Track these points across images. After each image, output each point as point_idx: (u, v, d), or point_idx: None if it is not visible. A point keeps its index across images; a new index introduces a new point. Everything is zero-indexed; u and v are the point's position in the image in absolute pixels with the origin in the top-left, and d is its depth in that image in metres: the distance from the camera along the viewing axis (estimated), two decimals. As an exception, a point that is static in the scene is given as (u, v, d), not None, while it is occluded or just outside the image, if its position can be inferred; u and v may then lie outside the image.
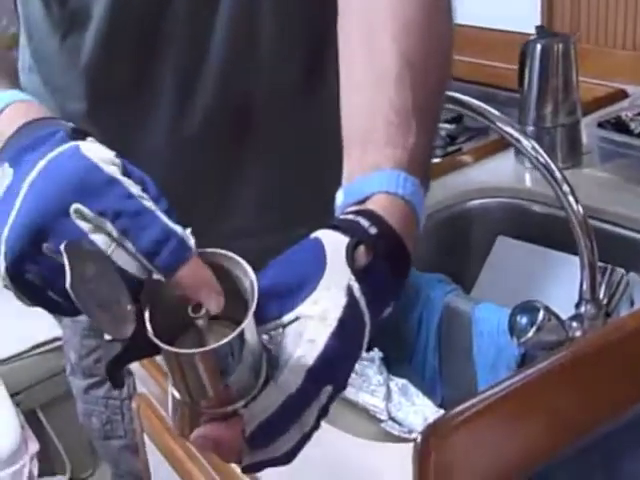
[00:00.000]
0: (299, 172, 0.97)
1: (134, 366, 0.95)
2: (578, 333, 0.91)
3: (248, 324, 0.48)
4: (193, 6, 0.85)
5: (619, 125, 1.26)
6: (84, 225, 0.49)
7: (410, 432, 0.95)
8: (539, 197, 1.23)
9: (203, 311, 0.49)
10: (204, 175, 0.93)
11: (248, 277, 0.50)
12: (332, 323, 0.50)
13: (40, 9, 0.88)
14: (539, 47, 1.26)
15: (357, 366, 0.69)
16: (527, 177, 1.30)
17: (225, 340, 0.47)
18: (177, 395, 0.51)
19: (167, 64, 0.88)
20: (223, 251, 0.51)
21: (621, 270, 0.94)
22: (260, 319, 0.51)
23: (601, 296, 0.92)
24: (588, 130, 1.28)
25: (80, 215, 0.49)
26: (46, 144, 0.53)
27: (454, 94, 0.95)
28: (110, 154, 0.52)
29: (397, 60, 0.65)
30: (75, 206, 0.49)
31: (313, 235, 0.56)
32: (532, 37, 1.29)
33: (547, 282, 1.15)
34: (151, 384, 0.93)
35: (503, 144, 1.37)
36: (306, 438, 0.51)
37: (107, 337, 0.49)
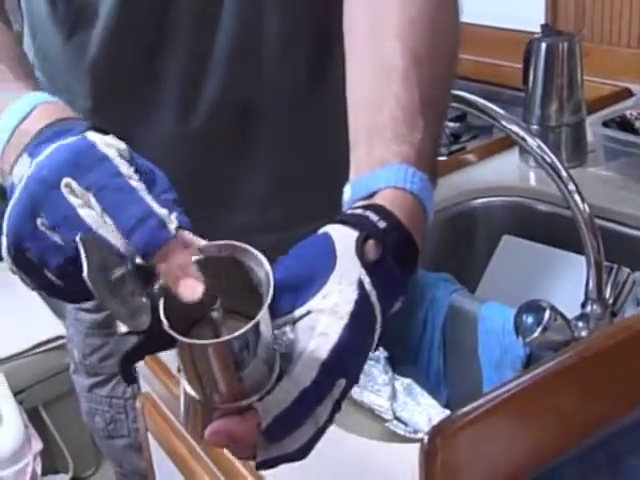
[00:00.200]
0: (304, 168, 0.97)
1: (138, 365, 0.95)
2: (584, 333, 0.91)
3: (263, 316, 0.48)
4: (199, 2, 0.85)
5: (624, 124, 1.26)
6: (74, 200, 0.50)
7: (415, 432, 0.95)
8: (544, 196, 1.23)
9: (217, 303, 0.49)
10: (208, 170, 0.93)
11: (263, 268, 0.50)
12: (344, 316, 0.51)
13: (45, 7, 0.88)
14: (544, 46, 1.26)
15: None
16: (531, 176, 1.30)
17: (242, 330, 0.47)
18: (190, 391, 0.51)
19: (173, 60, 0.88)
20: (237, 243, 0.51)
21: (627, 269, 0.94)
22: (272, 314, 0.51)
23: (607, 296, 0.91)
24: (593, 129, 1.28)
25: (70, 190, 0.50)
26: (63, 137, 0.53)
27: (459, 92, 0.95)
28: (117, 141, 0.53)
29: (403, 56, 0.66)
30: (65, 180, 0.50)
31: (322, 230, 0.56)
32: (537, 36, 1.28)
33: (552, 281, 1.15)
34: (155, 383, 0.93)
35: (507, 143, 1.36)
36: (320, 433, 0.51)
37: (121, 330, 0.49)
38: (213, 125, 0.90)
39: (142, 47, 0.87)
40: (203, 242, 0.51)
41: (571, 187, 0.89)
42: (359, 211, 0.56)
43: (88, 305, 1.06)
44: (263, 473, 0.72)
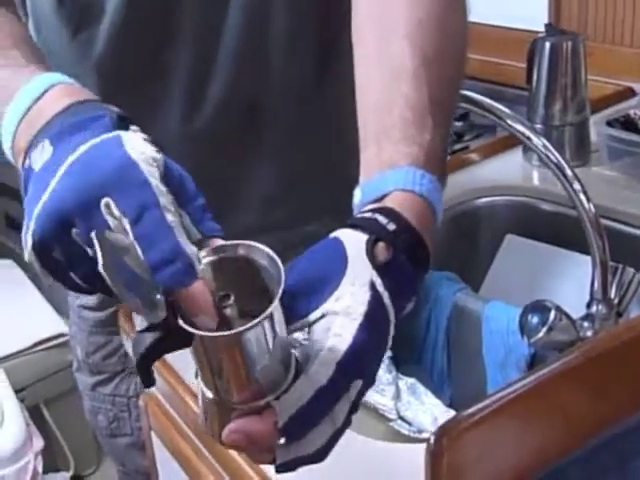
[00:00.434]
0: (309, 167, 0.97)
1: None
2: (589, 333, 0.91)
3: (276, 309, 0.48)
4: (206, 0, 0.85)
5: (628, 124, 1.26)
6: (111, 221, 0.50)
7: (419, 431, 0.95)
8: (547, 195, 1.23)
9: (231, 300, 0.49)
10: (213, 169, 0.93)
11: (275, 264, 0.50)
12: (358, 317, 0.51)
13: (50, 2, 0.88)
14: (548, 45, 1.26)
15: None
16: (535, 175, 1.29)
17: (255, 321, 0.47)
18: (207, 393, 0.51)
19: (179, 58, 0.88)
20: (246, 242, 0.51)
21: (632, 270, 0.94)
22: (287, 318, 0.51)
23: (612, 296, 0.91)
24: (597, 128, 1.28)
25: (108, 211, 0.49)
26: (90, 129, 0.53)
27: (464, 92, 0.95)
28: (152, 150, 0.52)
29: (413, 57, 0.66)
30: (105, 200, 0.49)
31: (332, 235, 0.56)
32: (541, 35, 1.28)
33: (555, 281, 1.15)
34: (159, 382, 0.93)
35: (511, 142, 1.36)
36: (338, 434, 0.52)
37: (138, 327, 0.49)
38: (219, 123, 0.90)
39: (148, 44, 0.87)
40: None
41: (576, 186, 0.89)
42: (368, 214, 0.57)
43: (91, 303, 1.06)
44: (270, 474, 0.72)
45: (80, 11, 0.88)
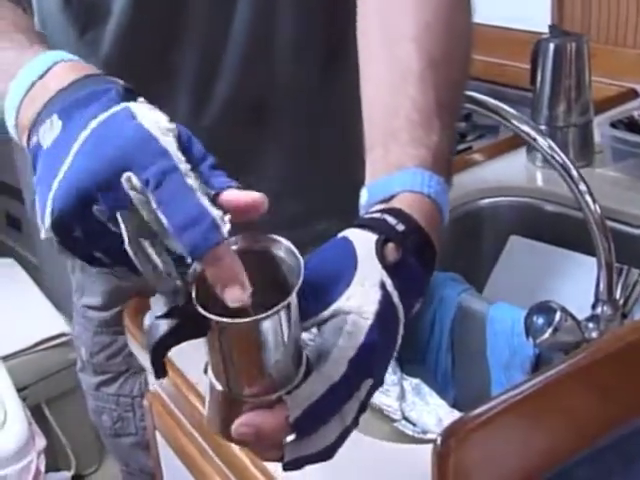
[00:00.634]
0: (316, 165, 0.97)
1: (146, 363, 0.95)
2: (594, 334, 0.91)
3: (294, 301, 0.49)
4: (213, 1, 0.85)
5: (632, 125, 1.26)
6: (133, 194, 0.49)
7: (424, 432, 0.95)
8: (551, 196, 1.23)
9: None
10: (219, 167, 0.93)
11: (294, 256, 0.50)
12: (370, 317, 0.51)
13: (57, 2, 0.88)
14: (552, 46, 1.26)
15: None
16: (539, 176, 1.29)
17: (273, 310, 0.47)
18: (218, 386, 0.51)
19: (186, 59, 0.88)
20: (265, 234, 0.51)
21: (637, 271, 0.94)
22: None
23: (617, 297, 0.91)
24: (601, 130, 1.28)
25: (130, 184, 0.49)
26: (98, 102, 0.52)
27: (469, 92, 0.95)
28: (164, 119, 0.52)
29: (419, 60, 0.66)
30: (127, 174, 0.49)
31: (341, 234, 0.57)
32: (545, 36, 1.28)
33: (559, 282, 1.15)
34: (164, 381, 0.93)
35: (514, 143, 1.36)
36: (346, 433, 0.52)
37: (156, 313, 0.49)
38: (225, 123, 0.90)
39: (155, 44, 0.87)
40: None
41: (582, 187, 0.89)
42: (377, 215, 0.57)
43: (96, 303, 1.06)
44: (275, 474, 0.72)
45: (86, 11, 0.88)
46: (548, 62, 1.26)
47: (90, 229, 0.51)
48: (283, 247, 0.51)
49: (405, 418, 0.97)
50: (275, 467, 0.53)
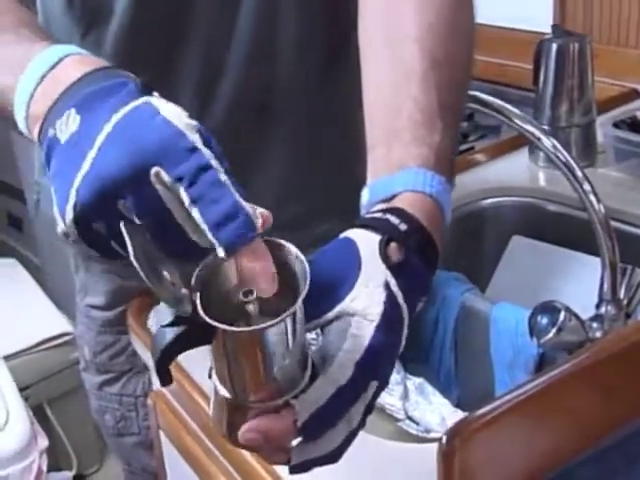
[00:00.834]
0: (317, 165, 0.97)
1: (150, 363, 0.95)
2: (598, 334, 0.91)
3: (299, 307, 0.49)
4: (215, 2, 0.85)
5: (634, 125, 1.26)
6: (161, 190, 0.49)
7: (427, 431, 0.95)
8: (554, 196, 1.23)
9: (253, 296, 0.49)
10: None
11: (300, 261, 0.50)
12: (375, 318, 0.51)
13: (60, 4, 0.88)
14: (555, 47, 1.26)
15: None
16: (541, 176, 1.29)
17: (279, 318, 0.47)
18: (224, 393, 0.51)
19: (189, 60, 0.88)
20: (271, 238, 0.51)
21: (640, 271, 0.94)
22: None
23: (621, 297, 0.92)
24: (603, 130, 1.28)
25: (159, 179, 0.49)
26: (116, 95, 0.52)
27: (474, 92, 0.95)
28: (185, 115, 0.51)
29: (422, 60, 0.66)
30: (156, 169, 0.48)
31: (343, 235, 0.56)
32: (547, 36, 1.28)
33: (562, 282, 1.15)
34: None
35: (517, 142, 1.36)
36: (353, 435, 0.52)
37: (160, 322, 0.49)
38: (228, 125, 0.89)
39: (158, 46, 0.87)
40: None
41: (586, 187, 0.89)
42: (379, 214, 0.57)
43: (100, 303, 1.06)
44: (282, 474, 0.72)
45: (89, 12, 0.87)
46: (551, 62, 1.26)
47: (112, 223, 0.50)
48: (288, 251, 0.51)
49: (408, 417, 0.97)
50: (282, 468, 0.53)
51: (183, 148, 0.49)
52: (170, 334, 0.49)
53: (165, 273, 0.49)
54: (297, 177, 0.96)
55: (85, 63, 0.56)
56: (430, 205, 0.59)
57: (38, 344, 2.07)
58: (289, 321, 0.48)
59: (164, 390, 0.97)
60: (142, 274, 0.48)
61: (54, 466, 2.07)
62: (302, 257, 0.50)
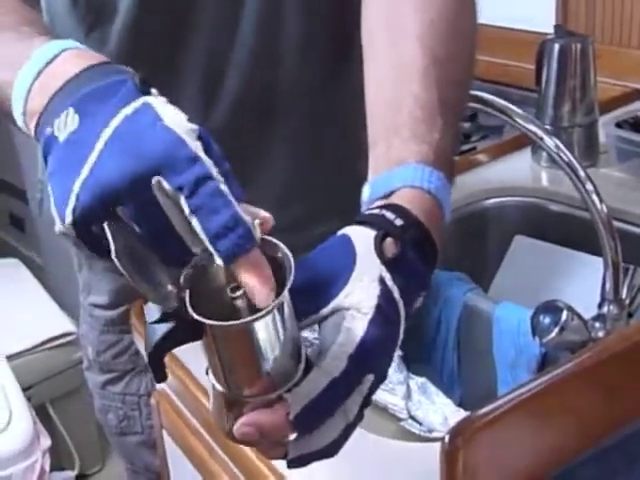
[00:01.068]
0: (319, 165, 0.97)
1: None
2: (601, 333, 0.91)
3: (286, 299, 0.49)
4: (220, 1, 0.85)
5: (637, 125, 1.26)
6: (161, 198, 0.49)
7: (430, 431, 0.95)
8: (556, 196, 1.23)
9: (241, 291, 0.49)
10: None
11: (285, 255, 0.50)
12: (369, 312, 0.51)
13: (65, 3, 0.88)
14: (557, 47, 1.26)
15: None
16: (544, 176, 1.30)
17: (265, 310, 0.47)
18: (219, 388, 0.51)
19: (193, 58, 0.88)
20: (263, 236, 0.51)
21: (643, 270, 0.94)
22: (297, 315, 0.51)
23: (623, 296, 0.92)
24: (606, 130, 1.28)
25: (159, 188, 0.49)
26: (115, 95, 0.51)
27: (476, 92, 0.95)
28: (184, 118, 0.51)
29: (423, 57, 0.66)
30: (157, 179, 0.48)
31: (340, 232, 0.57)
32: (550, 37, 1.28)
33: (565, 282, 1.15)
34: (170, 379, 0.93)
35: (519, 143, 1.37)
36: (351, 429, 0.52)
37: (150, 319, 0.49)
38: (231, 124, 0.90)
39: (161, 45, 0.87)
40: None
41: (589, 187, 0.89)
42: (376, 211, 0.57)
43: (103, 302, 1.07)
44: (285, 472, 0.72)
45: (93, 11, 0.88)
46: (553, 62, 1.26)
47: None
48: (276, 248, 0.51)
49: (411, 417, 0.97)
50: (283, 465, 0.53)
51: (184, 157, 0.49)
52: (159, 331, 0.49)
53: (153, 272, 0.49)
54: (299, 177, 0.96)
55: (83, 58, 0.56)
56: (428, 201, 0.59)
57: (41, 344, 2.07)
58: (277, 313, 0.48)
59: (167, 389, 0.97)
60: (125, 273, 0.48)
61: (57, 466, 2.07)
62: (286, 250, 0.50)
